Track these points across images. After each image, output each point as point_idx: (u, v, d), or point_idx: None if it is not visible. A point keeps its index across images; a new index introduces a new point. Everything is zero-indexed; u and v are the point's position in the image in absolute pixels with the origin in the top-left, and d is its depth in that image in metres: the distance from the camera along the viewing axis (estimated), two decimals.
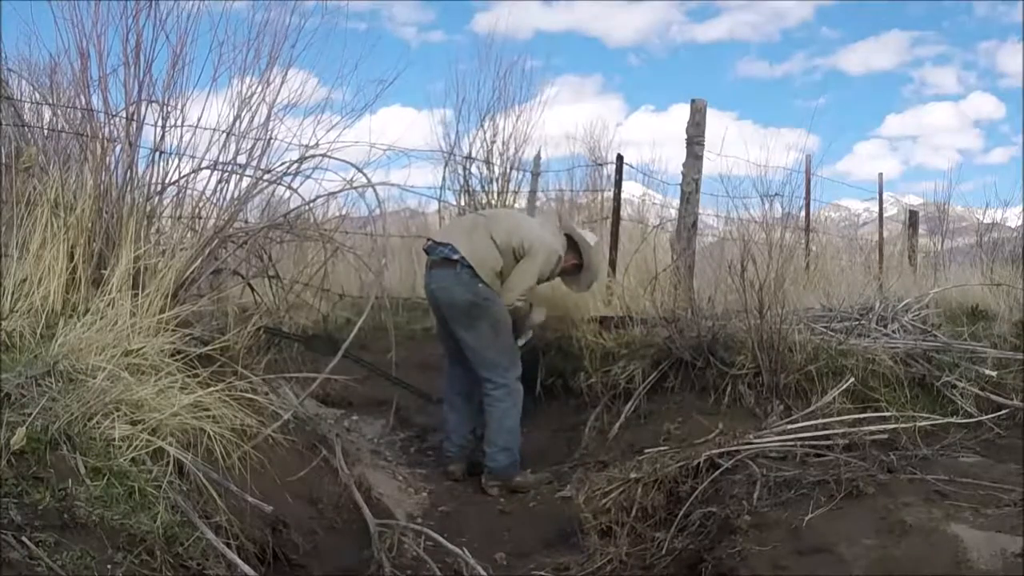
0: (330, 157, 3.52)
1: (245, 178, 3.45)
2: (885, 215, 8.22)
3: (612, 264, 4.99)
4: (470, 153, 5.75)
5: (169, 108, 3.27)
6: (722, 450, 2.98)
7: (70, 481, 1.96)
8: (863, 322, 4.04)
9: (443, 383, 4.09)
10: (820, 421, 3.14)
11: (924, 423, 3.18)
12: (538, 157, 6.48)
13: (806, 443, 3.00)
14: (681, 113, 5.06)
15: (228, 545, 2.16)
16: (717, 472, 2.89)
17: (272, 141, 3.49)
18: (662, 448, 3.23)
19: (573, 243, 3.96)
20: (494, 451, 3.74)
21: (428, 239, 3.98)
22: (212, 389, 2.56)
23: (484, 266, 3.67)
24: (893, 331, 4.00)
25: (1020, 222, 7.40)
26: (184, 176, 3.38)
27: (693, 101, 5.01)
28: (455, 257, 3.67)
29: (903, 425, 3.11)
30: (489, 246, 3.71)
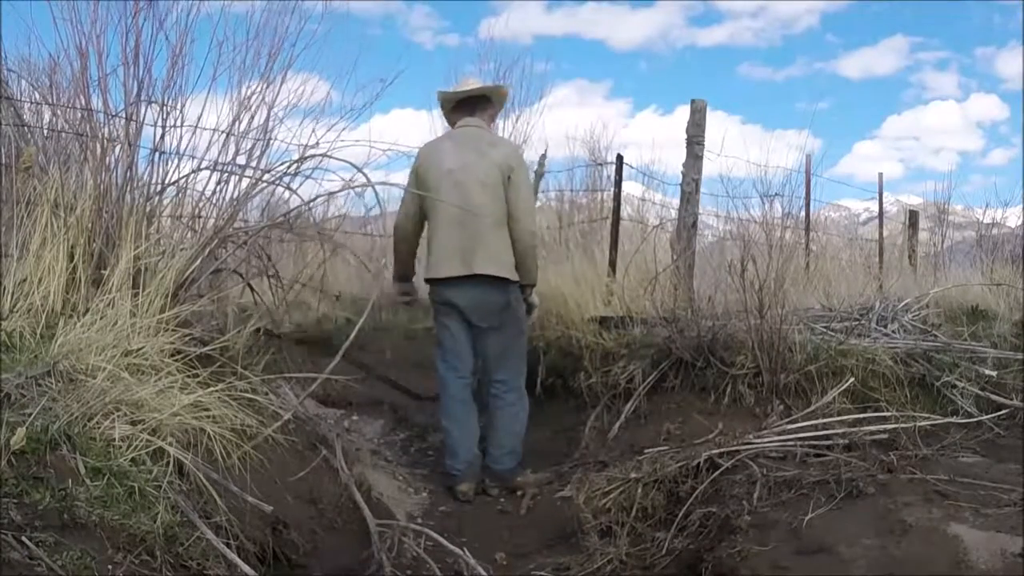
0: (330, 157, 3.52)
1: (245, 178, 3.45)
2: (885, 215, 8.23)
3: (612, 264, 4.99)
4: None
5: (169, 108, 3.27)
6: (722, 450, 2.98)
7: (70, 481, 1.95)
8: (863, 322, 4.04)
9: (442, 394, 3.86)
10: (820, 421, 3.14)
11: (924, 423, 3.17)
12: (544, 156, 6.49)
13: (806, 443, 3.00)
14: (685, 115, 5.06)
15: (228, 545, 2.16)
16: (717, 472, 2.89)
17: (272, 141, 3.50)
18: (662, 448, 3.23)
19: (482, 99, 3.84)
20: (500, 453, 3.72)
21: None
22: (212, 389, 2.56)
23: (509, 265, 3.65)
24: (893, 331, 4.00)
25: (1020, 222, 7.42)
26: (184, 176, 3.39)
27: (693, 101, 5.02)
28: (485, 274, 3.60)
29: (903, 425, 3.10)
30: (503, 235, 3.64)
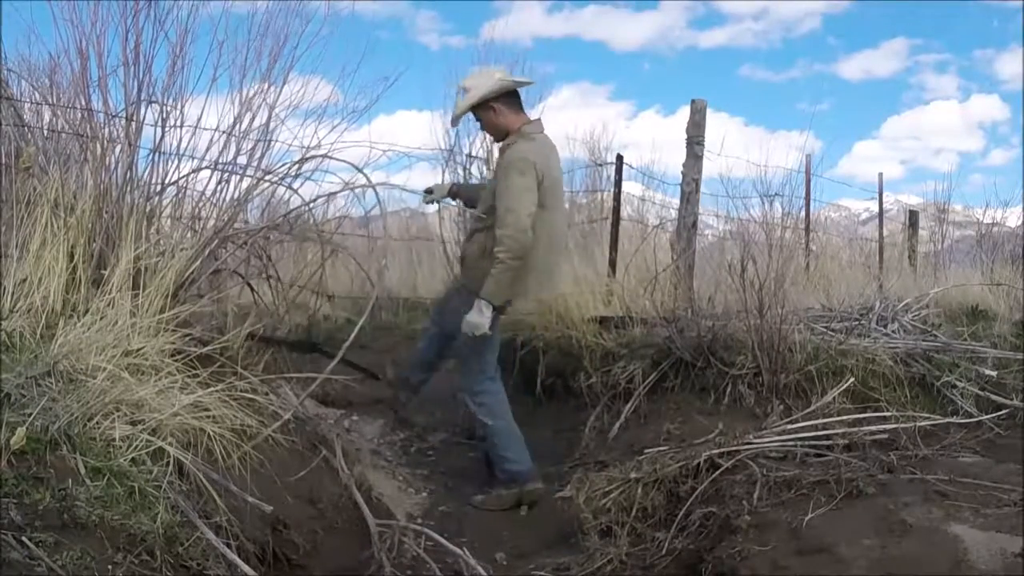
0: (331, 158, 3.52)
1: (245, 179, 3.45)
2: (886, 215, 8.23)
3: (612, 264, 4.99)
4: (470, 152, 5.76)
5: (169, 108, 3.26)
6: (722, 450, 2.98)
7: (70, 481, 1.95)
8: (863, 322, 4.04)
9: (498, 405, 3.65)
10: (820, 421, 3.14)
11: (924, 423, 3.18)
12: None
13: (806, 443, 3.00)
14: (687, 116, 5.05)
15: (228, 545, 2.16)
16: (717, 472, 2.89)
17: (272, 142, 3.49)
18: (662, 448, 3.23)
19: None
20: None
21: None
22: (212, 389, 2.56)
23: None
24: (893, 331, 4.00)
25: (1020, 222, 7.43)
26: (184, 176, 3.38)
27: (693, 101, 5.02)
28: None
29: (903, 425, 3.11)
30: None
